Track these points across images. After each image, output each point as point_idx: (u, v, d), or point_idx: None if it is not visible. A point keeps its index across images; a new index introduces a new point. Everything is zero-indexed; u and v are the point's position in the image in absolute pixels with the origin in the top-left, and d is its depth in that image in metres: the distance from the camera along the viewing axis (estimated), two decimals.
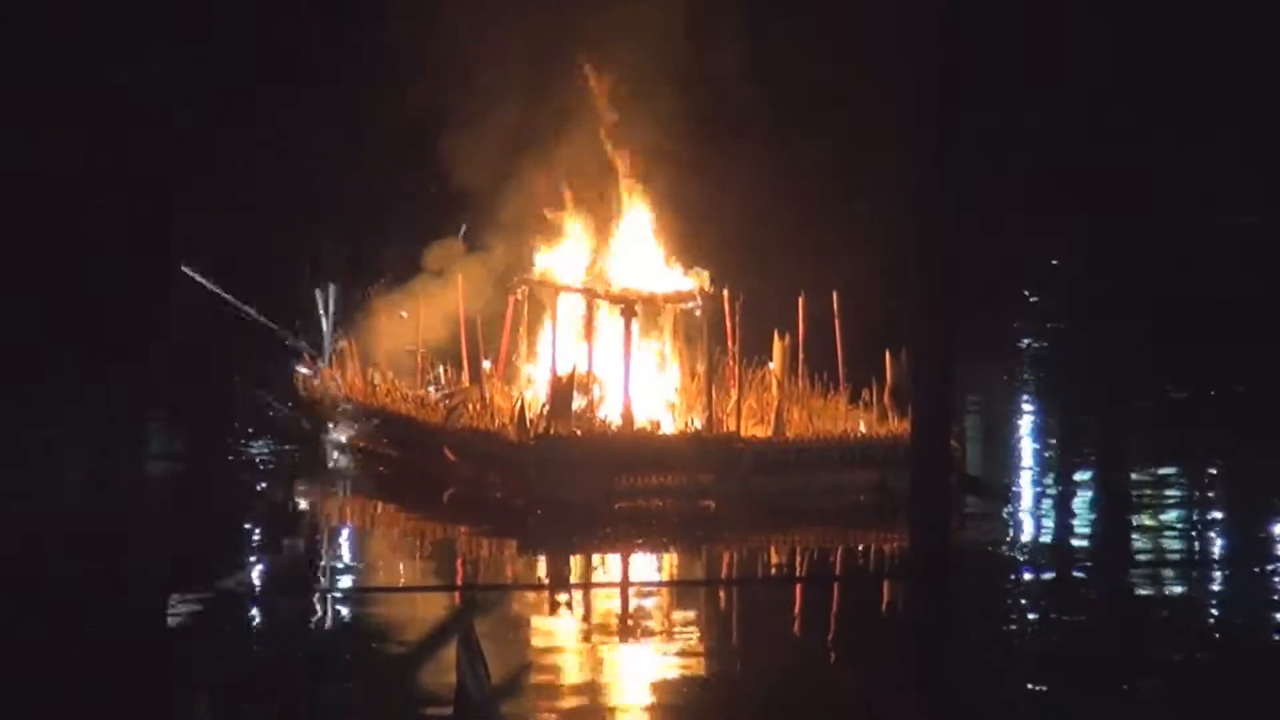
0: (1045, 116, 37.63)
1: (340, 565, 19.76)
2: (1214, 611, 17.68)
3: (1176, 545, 20.12)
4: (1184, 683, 15.05)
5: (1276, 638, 16.73)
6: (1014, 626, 16.80)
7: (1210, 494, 22.79)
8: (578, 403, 21.85)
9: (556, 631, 16.76)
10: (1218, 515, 21.77)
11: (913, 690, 14.09)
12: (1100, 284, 36.92)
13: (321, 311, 24.79)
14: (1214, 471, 23.78)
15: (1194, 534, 20.72)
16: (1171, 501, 22.13)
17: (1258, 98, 38.61)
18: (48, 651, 14.89)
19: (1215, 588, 18.54)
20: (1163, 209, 38.68)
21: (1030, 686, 14.93)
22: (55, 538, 19.20)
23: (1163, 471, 23.64)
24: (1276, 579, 18.82)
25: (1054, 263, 37.28)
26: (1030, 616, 17.31)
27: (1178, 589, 18.44)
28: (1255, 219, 38.27)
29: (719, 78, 23.24)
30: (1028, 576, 18.64)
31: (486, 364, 23.30)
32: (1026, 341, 34.00)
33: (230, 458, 23.48)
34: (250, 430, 24.32)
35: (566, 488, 20.76)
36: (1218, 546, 20.40)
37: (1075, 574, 18.94)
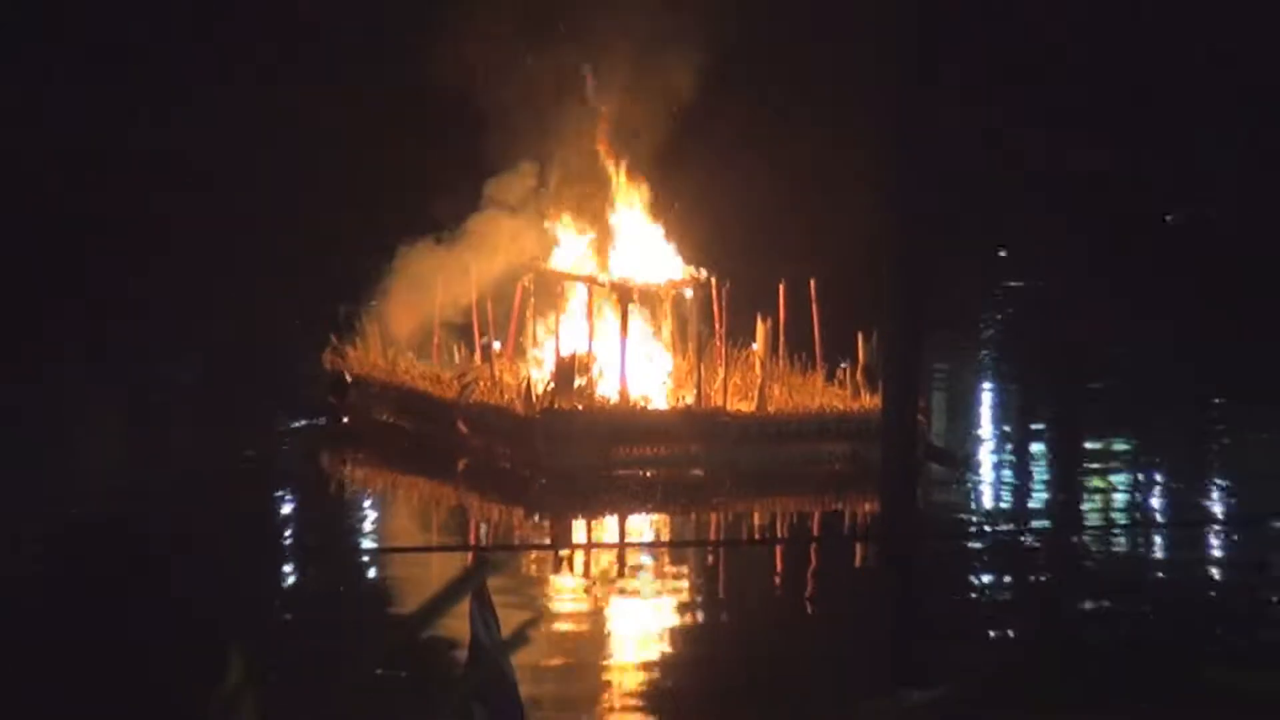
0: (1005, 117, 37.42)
1: (363, 527, 19.83)
2: (1154, 568, 17.80)
3: (1119, 508, 20.21)
4: (1120, 631, 15.18)
5: (1207, 590, 16.84)
6: (972, 581, 16.89)
7: (1155, 459, 22.84)
8: (579, 381, 21.91)
9: (561, 587, 16.86)
10: (1159, 479, 21.86)
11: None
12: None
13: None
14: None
15: (1136, 497, 20.81)
16: (1115, 468, 22.20)
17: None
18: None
19: (1155, 546, 18.63)
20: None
21: (987, 634, 15.05)
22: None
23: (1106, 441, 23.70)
24: (1208, 537, 18.89)
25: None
26: (986, 575, 17.41)
27: (1118, 548, 18.54)
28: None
29: (707, 76, 23.18)
30: (985, 539, 18.72)
31: (497, 345, 23.33)
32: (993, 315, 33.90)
33: (268, 430, 23.44)
34: (285, 404, 24.30)
35: (569, 458, 20.84)
36: (1159, 508, 20.51)
37: (1026, 535, 19.03)
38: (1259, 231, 36.40)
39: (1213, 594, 16.91)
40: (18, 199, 34.35)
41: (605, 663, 14.65)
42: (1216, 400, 26.23)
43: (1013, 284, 36.77)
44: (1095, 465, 22.64)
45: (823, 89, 30.17)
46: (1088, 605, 16.35)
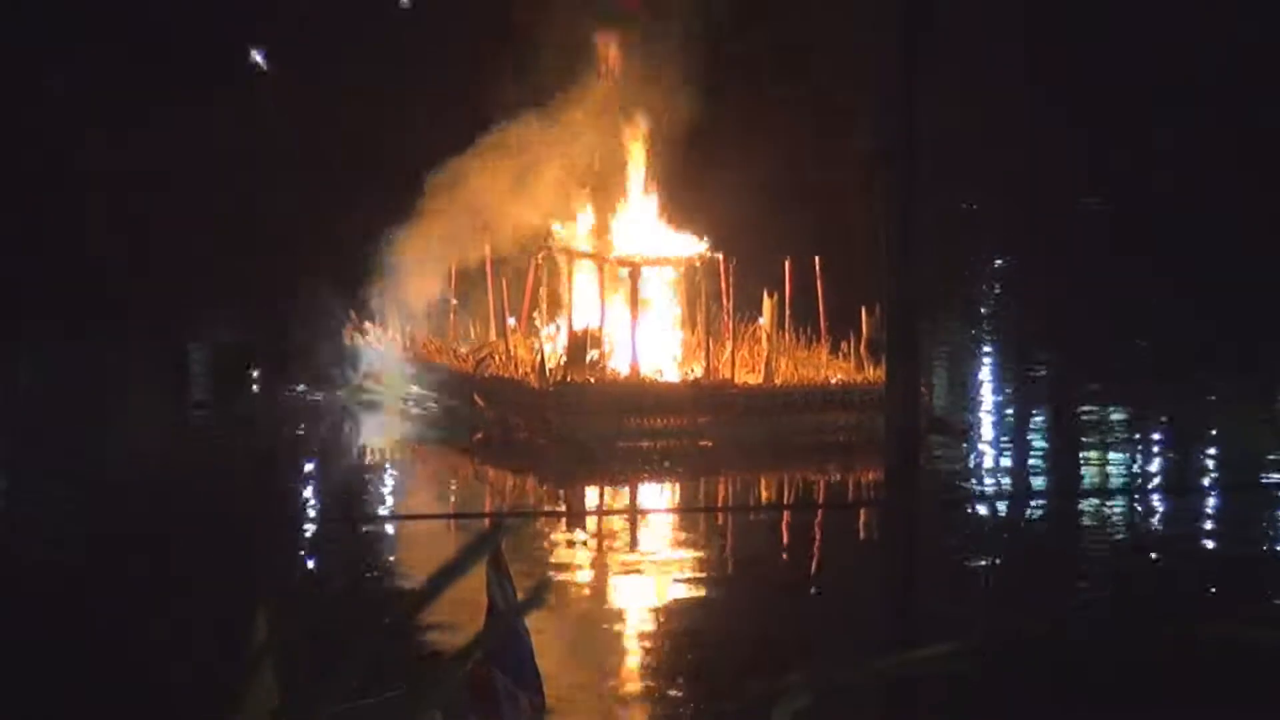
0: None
1: (383, 493, 19.83)
2: (1144, 530, 17.80)
3: (1108, 475, 20.20)
4: (1113, 590, 15.18)
5: (1194, 552, 16.84)
6: (972, 545, 16.89)
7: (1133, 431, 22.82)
8: (591, 354, 21.90)
9: (573, 550, 16.84)
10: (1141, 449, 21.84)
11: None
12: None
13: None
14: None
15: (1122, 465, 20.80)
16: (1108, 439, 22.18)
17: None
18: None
19: (1136, 509, 18.63)
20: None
21: (987, 594, 15.05)
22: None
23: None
24: (1182, 505, 18.88)
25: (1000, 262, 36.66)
26: (985, 538, 17.41)
27: (1105, 511, 18.53)
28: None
29: (722, 63, 23.15)
30: (982, 503, 18.70)
31: (511, 321, 23.31)
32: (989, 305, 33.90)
33: (297, 401, 23.44)
34: (313, 379, 24.30)
35: (581, 428, 20.82)
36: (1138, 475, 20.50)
37: (1022, 499, 19.00)
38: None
39: (1200, 556, 16.89)
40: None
41: (615, 617, 14.65)
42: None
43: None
44: (1088, 433, 22.60)
45: (827, 76, 30.09)
46: (1083, 565, 16.33)
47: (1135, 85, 38.31)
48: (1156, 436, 22.45)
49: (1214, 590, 15.60)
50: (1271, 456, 20.88)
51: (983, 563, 16.58)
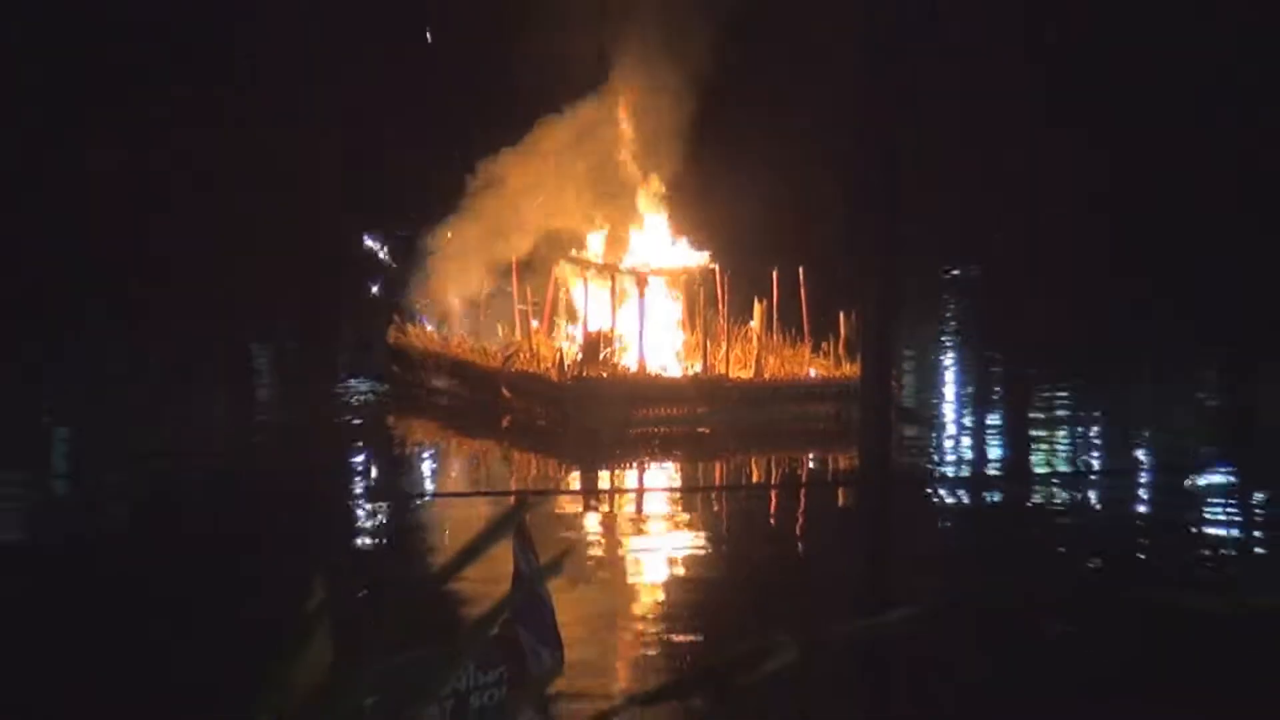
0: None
1: (423, 474, 19.82)
2: (1094, 508, 17.78)
3: (1058, 460, 20.17)
4: (1066, 561, 15.17)
5: (1141, 528, 16.81)
6: (936, 518, 16.87)
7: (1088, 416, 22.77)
8: (604, 353, 21.89)
9: (589, 524, 16.83)
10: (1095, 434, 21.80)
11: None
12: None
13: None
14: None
15: (1073, 450, 20.75)
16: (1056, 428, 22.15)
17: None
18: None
19: (1094, 491, 18.61)
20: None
21: (949, 563, 15.03)
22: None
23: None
24: (1129, 486, 18.85)
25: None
26: (948, 514, 17.38)
27: (1062, 492, 18.49)
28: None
29: (717, 88, 23.03)
30: (946, 485, 18.69)
31: (535, 322, 23.31)
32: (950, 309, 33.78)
33: (340, 395, 23.43)
34: (356, 373, 24.28)
35: (595, 417, 20.81)
36: (1095, 459, 20.45)
37: (982, 482, 18.99)
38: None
39: (1146, 531, 16.86)
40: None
41: (626, 582, 14.64)
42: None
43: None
44: (1039, 423, 22.55)
45: (812, 101, 29.94)
46: (1037, 538, 16.30)
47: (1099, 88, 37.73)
48: (1101, 426, 22.41)
49: (1145, 560, 15.58)
50: (1203, 445, 20.86)
51: (946, 535, 16.56)
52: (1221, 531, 16.48)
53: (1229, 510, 17.46)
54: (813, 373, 21.99)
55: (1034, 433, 21.74)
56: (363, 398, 23.07)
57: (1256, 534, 16.74)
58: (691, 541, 16.02)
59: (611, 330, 22.23)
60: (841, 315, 21.84)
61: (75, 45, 36.09)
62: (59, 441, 20.96)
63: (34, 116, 35.49)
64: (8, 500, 17.21)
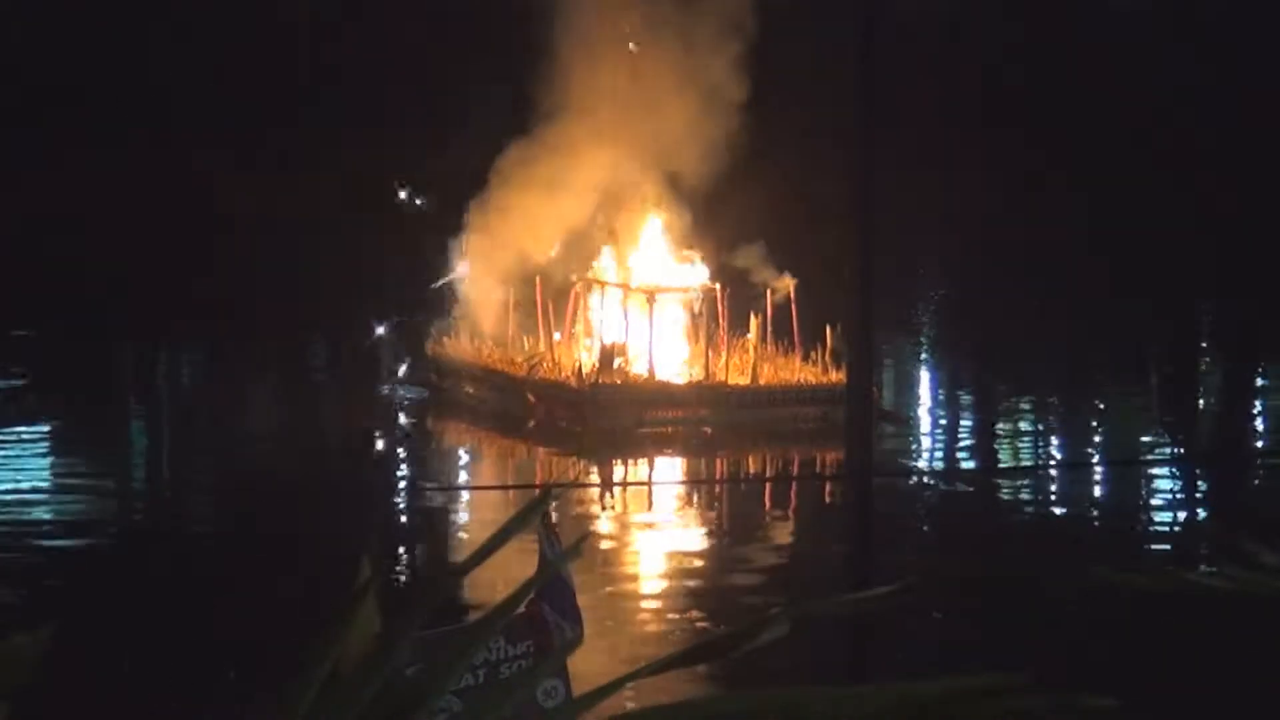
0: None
1: (458, 468, 19.81)
2: (1055, 499, 17.72)
3: (1026, 456, 20.11)
4: (1027, 545, 15.11)
5: (1097, 515, 16.75)
6: (916, 510, 16.83)
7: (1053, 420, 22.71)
8: (618, 362, 21.86)
9: (606, 513, 16.81)
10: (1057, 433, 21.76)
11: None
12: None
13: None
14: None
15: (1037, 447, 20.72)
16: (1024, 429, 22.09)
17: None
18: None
19: (1055, 483, 18.56)
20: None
21: (924, 547, 14.99)
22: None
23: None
24: (1096, 475, 18.79)
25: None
26: (925, 506, 17.34)
27: (1027, 485, 18.43)
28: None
29: (720, 117, 22.83)
30: (924, 480, 18.66)
31: (557, 335, 23.29)
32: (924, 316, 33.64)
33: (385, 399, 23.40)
34: (398, 380, 24.24)
35: (610, 420, 20.78)
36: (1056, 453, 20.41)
37: (956, 477, 18.95)
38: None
39: (1105, 519, 16.81)
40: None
41: (639, 565, 14.62)
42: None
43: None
44: (1008, 422, 22.51)
45: (803, 124, 29.67)
46: (1001, 525, 16.26)
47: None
48: (1064, 424, 22.38)
49: (1102, 542, 15.54)
50: (1151, 439, 20.82)
51: (923, 522, 16.52)
52: (1167, 515, 16.43)
53: (1175, 494, 17.41)
54: (802, 379, 21.94)
55: (1001, 431, 21.71)
56: (407, 403, 23.07)
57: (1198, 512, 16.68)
58: (695, 528, 16.01)
59: (624, 342, 22.21)
60: (828, 328, 21.80)
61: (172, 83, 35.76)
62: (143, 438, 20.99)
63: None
64: (88, 490, 17.22)
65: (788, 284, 22.31)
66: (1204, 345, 29.44)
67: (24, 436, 19.30)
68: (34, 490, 16.88)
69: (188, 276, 30.36)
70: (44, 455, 18.83)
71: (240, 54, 36.49)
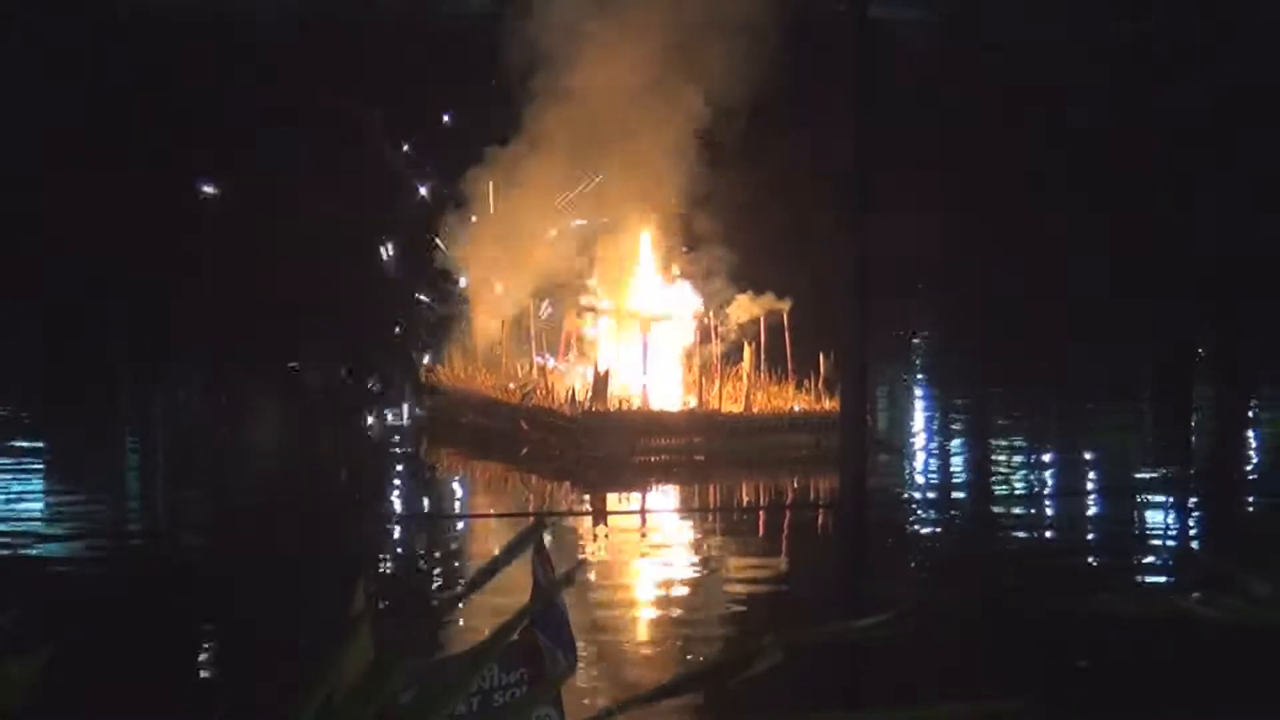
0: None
1: (451, 496, 19.80)
2: (1047, 526, 17.72)
3: (1016, 484, 20.12)
4: (1024, 573, 15.11)
5: (1091, 542, 16.74)
6: (908, 539, 16.82)
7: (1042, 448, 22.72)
8: (610, 389, 21.86)
9: (598, 540, 16.79)
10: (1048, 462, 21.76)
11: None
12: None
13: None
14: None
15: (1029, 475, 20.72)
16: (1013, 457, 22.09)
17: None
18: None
19: (1048, 510, 18.56)
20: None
21: (920, 577, 14.98)
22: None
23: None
24: (1090, 502, 18.80)
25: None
26: (919, 533, 17.34)
27: (1021, 512, 18.44)
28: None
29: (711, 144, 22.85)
30: (917, 508, 18.66)
31: (551, 362, 23.30)
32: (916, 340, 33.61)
33: (376, 424, 23.38)
34: (390, 406, 24.23)
35: (604, 447, 20.77)
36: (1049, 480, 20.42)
37: (949, 505, 18.95)
38: None
39: (1097, 546, 16.81)
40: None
41: (632, 591, 14.60)
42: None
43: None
44: (1000, 450, 22.52)
45: (794, 156, 29.61)
46: (996, 553, 16.24)
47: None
48: (1056, 451, 22.39)
49: (1094, 569, 15.54)
50: (1144, 466, 20.84)
51: (916, 550, 16.50)
52: (1158, 541, 16.43)
53: (1170, 523, 17.41)
54: (796, 407, 21.95)
55: (995, 459, 21.72)
56: (401, 429, 23.04)
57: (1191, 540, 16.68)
58: (688, 557, 15.98)
59: (617, 369, 22.20)
60: (821, 356, 21.81)
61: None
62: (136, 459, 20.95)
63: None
64: (80, 516, 17.19)
65: (781, 307, 22.35)
66: (1200, 353, 29.44)
67: None
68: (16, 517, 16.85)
69: (166, 296, 30.37)
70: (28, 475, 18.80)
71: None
